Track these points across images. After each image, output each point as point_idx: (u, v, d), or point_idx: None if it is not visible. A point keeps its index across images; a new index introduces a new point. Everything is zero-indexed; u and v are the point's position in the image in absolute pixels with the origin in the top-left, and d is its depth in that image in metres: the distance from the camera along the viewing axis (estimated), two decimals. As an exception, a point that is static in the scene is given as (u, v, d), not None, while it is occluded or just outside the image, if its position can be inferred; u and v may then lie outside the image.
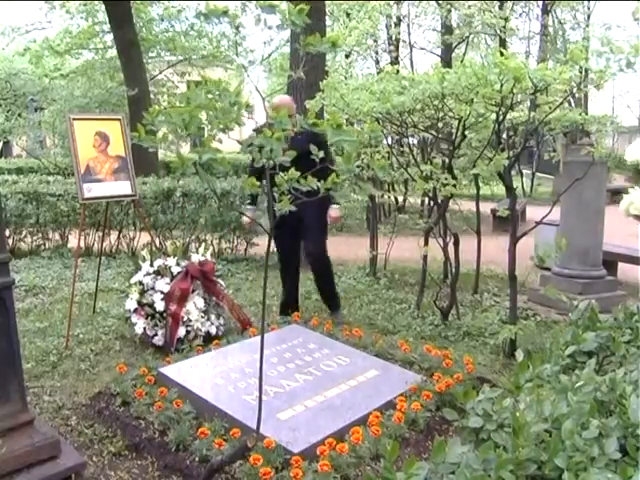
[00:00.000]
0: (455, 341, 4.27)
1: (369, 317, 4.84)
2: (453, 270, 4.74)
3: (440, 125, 4.87)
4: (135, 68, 11.66)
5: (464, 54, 17.25)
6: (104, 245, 6.01)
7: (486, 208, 8.63)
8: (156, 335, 4.00)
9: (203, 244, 5.42)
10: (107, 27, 13.69)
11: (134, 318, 4.05)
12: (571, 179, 4.32)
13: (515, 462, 1.02)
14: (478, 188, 5.36)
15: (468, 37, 16.08)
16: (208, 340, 3.97)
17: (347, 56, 16.77)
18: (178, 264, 4.13)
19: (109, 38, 15.28)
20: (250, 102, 1.52)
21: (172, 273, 4.08)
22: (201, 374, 3.30)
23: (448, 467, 1.05)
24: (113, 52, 14.37)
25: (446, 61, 14.57)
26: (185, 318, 3.97)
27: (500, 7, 13.66)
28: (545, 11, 16.25)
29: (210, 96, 1.41)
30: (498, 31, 13.39)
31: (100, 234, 6.31)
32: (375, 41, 16.76)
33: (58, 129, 14.06)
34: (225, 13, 1.38)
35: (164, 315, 3.97)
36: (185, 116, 1.36)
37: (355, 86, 5.12)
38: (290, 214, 3.73)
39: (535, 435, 1.07)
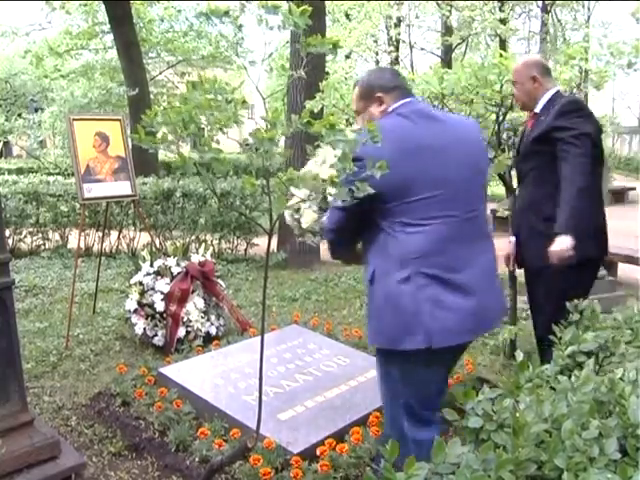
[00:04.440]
0: (455, 341, 4.26)
1: (369, 317, 4.83)
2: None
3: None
4: (135, 68, 11.66)
5: (464, 54, 17.27)
6: (104, 245, 6.01)
7: (486, 208, 8.60)
8: (156, 335, 4.00)
9: (203, 244, 5.42)
10: (107, 27, 13.70)
11: (134, 318, 4.05)
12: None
13: (515, 462, 1.02)
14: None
15: (468, 37, 16.09)
16: (208, 340, 3.97)
17: (347, 57, 16.79)
18: (178, 264, 4.13)
19: (109, 39, 15.30)
20: (246, 99, 1.52)
21: (172, 273, 4.08)
22: (201, 374, 3.30)
23: (448, 467, 1.05)
24: (113, 53, 14.38)
25: (446, 62, 14.58)
26: (185, 318, 3.98)
27: (500, 8, 13.68)
28: (545, 11, 16.26)
29: (207, 95, 1.41)
30: (498, 32, 13.40)
31: (100, 234, 6.31)
32: (375, 42, 16.78)
33: (58, 129, 14.07)
34: (226, 13, 1.38)
35: (164, 315, 3.97)
36: (185, 115, 1.36)
37: (355, 86, 5.12)
38: None
39: (535, 435, 1.07)
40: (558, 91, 2.89)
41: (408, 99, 1.99)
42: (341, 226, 1.91)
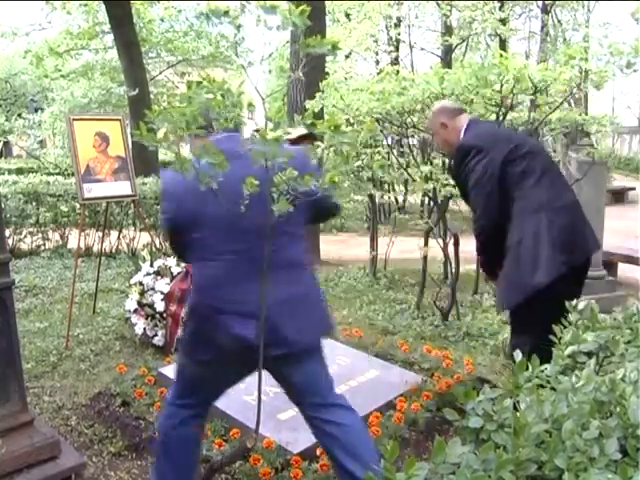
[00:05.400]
0: (455, 341, 4.27)
1: (369, 317, 4.84)
2: (453, 270, 4.74)
3: (440, 125, 4.86)
4: (135, 68, 11.65)
5: (464, 54, 17.27)
6: (104, 245, 6.01)
7: (486, 208, 8.59)
8: (156, 335, 4.00)
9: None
10: (107, 27, 13.70)
11: (134, 318, 4.05)
12: (571, 179, 4.32)
13: (515, 462, 1.02)
14: (478, 188, 5.35)
15: (468, 38, 16.08)
16: (208, 340, 3.97)
17: (347, 57, 16.79)
18: (178, 264, 4.13)
19: (109, 39, 15.30)
20: (252, 102, 1.52)
21: (172, 273, 4.08)
22: (201, 374, 3.30)
23: (448, 467, 1.05)
24: (113, 53, 14.39)
25: (446, 62, 14.57)
26: (185, 318, 3.97)
27: (501, 8, 13.67)
28: (545, 11, 16.25)
29: (211, 96, 1.40)
30: (498, 32, 13.40)
31: (100, 234, 6.31)
32: (375, 42, 16.77)
33: (58, 129, 14.08)
34: (226, 13, 1.38)
35: (164, 315, 3.97)
36: (188, 116, 1.35)
37: (355, 86, 5.13)
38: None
39: (535, 435, 1.07)
40: (469, 123, 2.84)
41: (223, 135, 1.92)
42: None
